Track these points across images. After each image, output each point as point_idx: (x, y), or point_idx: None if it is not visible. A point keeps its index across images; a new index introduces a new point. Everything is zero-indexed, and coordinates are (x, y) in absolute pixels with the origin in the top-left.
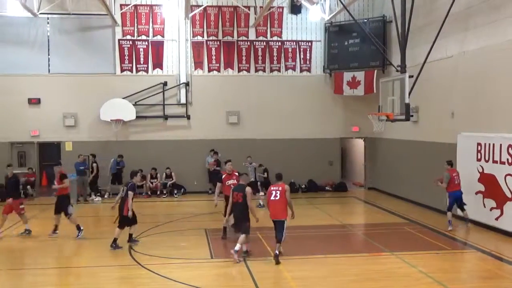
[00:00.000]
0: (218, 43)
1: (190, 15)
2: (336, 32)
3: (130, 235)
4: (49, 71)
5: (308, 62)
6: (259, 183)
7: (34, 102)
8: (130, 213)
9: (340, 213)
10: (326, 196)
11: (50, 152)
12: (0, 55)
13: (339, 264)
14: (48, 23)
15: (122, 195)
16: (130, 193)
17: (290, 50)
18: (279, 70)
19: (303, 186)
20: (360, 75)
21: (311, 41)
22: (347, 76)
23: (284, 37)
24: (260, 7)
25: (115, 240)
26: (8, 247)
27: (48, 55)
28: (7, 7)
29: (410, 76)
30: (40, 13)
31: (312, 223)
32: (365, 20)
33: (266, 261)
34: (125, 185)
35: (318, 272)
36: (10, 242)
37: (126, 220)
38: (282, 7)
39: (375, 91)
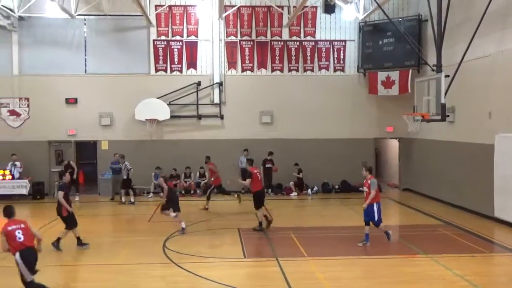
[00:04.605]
0: (251, 43)
1: (224, 15)
2: (370, 32)
3: (78, 238)
4: (85, 71)
5: (341, 62)
6: (292, 183)
7: (72, 101)
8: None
9: None
10: (360, 197)
11: (86, 151)
12: (39, 56)
13: (372, 265)
14: (85, 24)
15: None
16: (60, 193)
17: (323, 49)
18: (312, 70)
19: (337, 186)
20: (394, 75)
21: (345, 41)
22: (382, 75)
23: (317, 37)
24: (294, 6)
25: (59, 239)
26: (48, 244)
27: (85, 55)
28: (45, 9)
29: (446, 76)
30: (77, 15)
31: (346, 223)
32: (400, 19)
33: (299, 262)
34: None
35: (351, 273)
36: (49, 239)
37: (69, 222)
38: (316, 7)
39: (409, 91)
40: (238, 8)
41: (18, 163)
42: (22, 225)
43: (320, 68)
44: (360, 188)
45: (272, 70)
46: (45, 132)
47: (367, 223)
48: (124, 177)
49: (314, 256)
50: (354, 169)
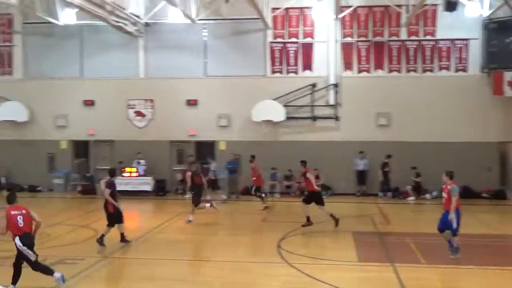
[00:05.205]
0: (368, 43)
1: (340, 16)
2: (495, 29)
3: (121, 234)
4: (205, 74)
5: (463, 62)
6: (409, 186)
7: (192, 103)
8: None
9: (498, 222)
10: (483, 203)
11: (205, 150)
12: (162, 60)
13: (497, 277)
14: (205, 28)
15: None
16: (107, 191)
17: (444, 49)
18: (432, 70)
19: None
20: None
21: (467, 39)
22: (508, 75)
23: (437, 36)
24: (413, 5)
25: (102, 236)
26: (169, 239)
27: (205, 58)
28: (169, 15)
29: None
30: (198, 20)
31: (467, 231)
32: None
33: (416, 268)
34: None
35: (472, 284)
36: (170, 234)
37: (112, 218)
38: (436, 5)
39: None
40: (355, 9)
41: (142, 161)
42: (23, 211)
43: (440, 68)
44: (483, 195)
45: (390, 71)
46: (167, 132)
47: (441, 231)
48: (212, 178)
49: (432, 264)
50: (476, 174)
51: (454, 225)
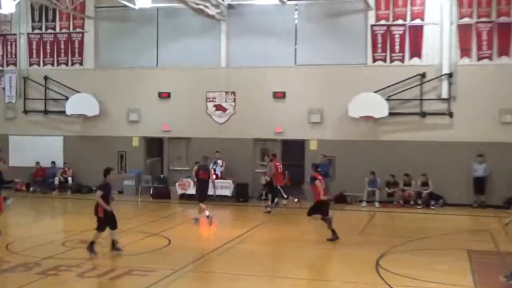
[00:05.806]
0: (490, 25)
1: None
2: None
3: (113, 241)
4: (295, 62)
5: None
6: None
7: (279, 96)
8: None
9: None
10: None
11: (293, 150)
12: (247, 47)
13: None
14: (296, 10)
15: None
16: (98, 192)
17: None
18: None
19: None
20: None
21: None
22: None
23: None
24: None
25: (92, 243)
26: (250, 251)
27: (295, 45)
28: None
29: None
30: (288, 0)
31: None
32: None
33: None
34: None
35: None
36: (252, 245)
37: (101, 222)
38: None
39: None
40: None
41: (219, 161)
42: None
43: None
44: None
45: None
46: (251, 129)
47: None
48: (268, 180)
49: None
50: None
51: None
